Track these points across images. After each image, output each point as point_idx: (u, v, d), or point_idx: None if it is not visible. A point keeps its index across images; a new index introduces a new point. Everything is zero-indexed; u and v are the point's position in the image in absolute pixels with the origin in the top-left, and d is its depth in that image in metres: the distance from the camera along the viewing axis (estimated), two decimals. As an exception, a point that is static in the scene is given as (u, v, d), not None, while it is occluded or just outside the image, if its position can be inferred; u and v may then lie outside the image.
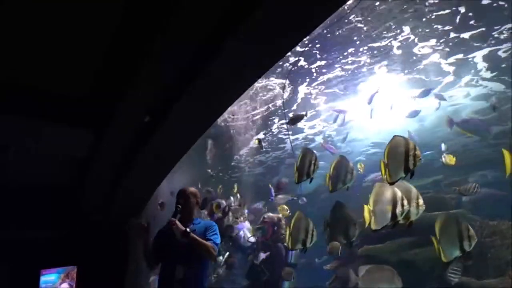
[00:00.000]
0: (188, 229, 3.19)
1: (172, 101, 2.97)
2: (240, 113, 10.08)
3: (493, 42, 7.15)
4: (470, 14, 6.24)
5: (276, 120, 10.79)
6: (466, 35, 6.89)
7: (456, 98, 9.75)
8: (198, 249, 3.20)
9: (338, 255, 6.72)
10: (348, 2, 5.26)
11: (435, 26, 6.56)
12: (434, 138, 11.05)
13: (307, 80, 8.53)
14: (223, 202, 7.34)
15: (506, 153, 3.69)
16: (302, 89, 9.03)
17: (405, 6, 6.00)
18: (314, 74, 8.28)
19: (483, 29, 6.68)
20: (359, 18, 6.31)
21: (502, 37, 6.96)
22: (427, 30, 6.70)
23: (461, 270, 5.68)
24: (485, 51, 7.51)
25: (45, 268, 4.75)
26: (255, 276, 6.86)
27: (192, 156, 4.63)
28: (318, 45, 7.08)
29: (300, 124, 11.04)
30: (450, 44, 7.17)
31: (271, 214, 7.56)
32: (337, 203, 3.62)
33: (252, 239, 7.35)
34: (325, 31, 6.50)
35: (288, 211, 7.61)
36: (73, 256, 5.01)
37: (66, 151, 4.13)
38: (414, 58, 7.75)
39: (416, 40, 7.03)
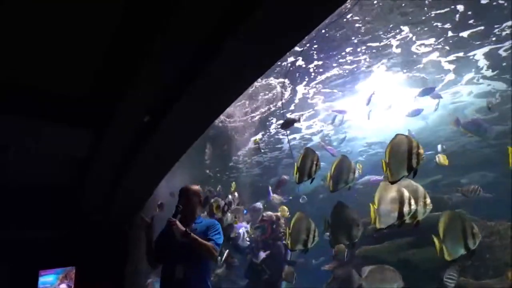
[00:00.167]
0: (187, 229, 3.14)
1: (172, 101, 2.97)
2: (238, 114, 10.09)
3: (494, 39, 7.13)
4: (470, 12, 6.24)
5: (274, 120, 10.80)
6: (466, 33, 6.89)
7: (458, 96, 9.72)
8: (199, 249, 3.16)
9: (344, 259, 6.68)
10: (348, 2, 5.26)
11: (435, 24, 6.56)
12: (436, 138, 11.06)
13: (306, 79, 8.55)
14: (222, 202, 7.33)
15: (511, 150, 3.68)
16: (300, 89, 9.05)
17: (403, 5, 6.01)
18: (312, 74, 8.30)
19: (482, 27, 6.69)
20: (357, 18, 6.31)
21: (503, 34, 6.94)
22: (425, 29, 6.70)
23: (458, 276, 5.69)
24: (486, 49, 7.50)
25: (43, 269, 4.73)
26: (255, 275, 6.86)
27: (191, 156, 4.63)
28: (316, 45, 7.09)
29: (297, 124, 11.07)
30: (450, 42, 7.18)
31: (269, 213, 7.56)
32: (338, 203, 3.58)
33: (248, 241, 7.34)
34: (323, 31, 6.51)
35: (288, 213, 7.62)
36: (72, 257, 4.99)
37: (66, 151, 4.13)
38: (415, 56, 7.75)
39: (414, 38, 7.04)
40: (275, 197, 9.52)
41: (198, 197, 3.56)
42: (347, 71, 8.24)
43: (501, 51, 7.61)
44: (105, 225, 5.13)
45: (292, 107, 9.95)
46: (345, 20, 6.32)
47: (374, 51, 7.47)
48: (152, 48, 2.49)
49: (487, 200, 8.14)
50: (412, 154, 2.69)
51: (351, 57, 7.67)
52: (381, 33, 6.81)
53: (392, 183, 2.85)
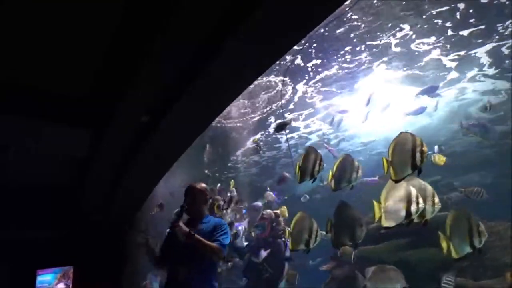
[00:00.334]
0: (191, 230, 3.06)
1: (172, 101, 2.97)
2: (237, 114, 10.09)
3: (496, 37, 7.12)
4: (471, 11, 6.23)
5: (272, 119, 10.78)
6: (467, 31, 6.87)
7: (461, 94, 9.66)
8: (203, 250, 3.07)
9: (352, 261, 6.65)
10: (347, 2, 5.26)
11: (436, 21, 6.55)
12: (437, 138, 11.03)
13: (306, 78, 8.53)
14: (222, 202, 7.33)
15: None
16: (300, 87, 9.03)
17: (403, 3, 6.01)
18: (311, 73, 8.28)
19: (483, 26, 6.68)
20: (356, 16, 6.31)
21: (507, 32, 6.92)
22: (425, 26, 6.69)
23: (454, 281, 5.72)
24: (489, 46, 7.46)
25: (41, 268, 4.72)
26: (256, 274, 6.85)
27: (189, 156, 4.63)
28: (315, 44, 7.09)
29: (295, 123, 11.08)
30: (452, 40, 7.15)
31: (269, 211, 7.57)
32: (341, 202, 3.52)
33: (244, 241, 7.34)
34: (322, 30, 6.52)
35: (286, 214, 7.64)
36: (70, 256, 4.99)
37: (66, 151, 4.12)
38: (416, 54, 7.71)
39: (413, 36, 7.03)
40: (269, 194, 9.57)
41: (204, 196, 3.45)
42: (345, 70, 8.23)
43: (504, 49, 7.57)
44: (104, 225, 5.13)
45: (291, 106, 9.93)
46: (345, 19, 6.32)
47: (374, 49, 7.46)
48: (152, 48, 2.49)
49: (486, 201, 8.14)
50: (416, 152, 2.66)
51: (349, 56, 7.66)
52: (380, 32, 6.81)
53: (396, 181, 2.81)
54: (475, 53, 7.72)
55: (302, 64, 7.82)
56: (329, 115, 10.34)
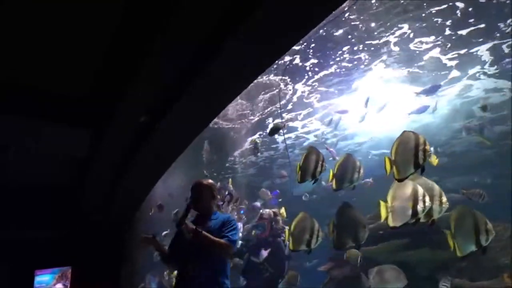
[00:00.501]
0: (197, 228, 2.98)
1: (172, 101, 2.98)
2: (235, 114, 10.09)
3: (498, 35, 7.09)
4: (470, 9, 6.22)
5: (270, 119, 10.77)
6: (468, 30, 6.85)
7: (462, 92, 9.61)
8: (211, 247, 3.00)
9: (358, 264, 6.60)
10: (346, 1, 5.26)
11: (435, 20, 6.53)
12: (440, 136, 11.00)
13: (305, 77, 8.52)
14: (220, 202, 7.33)
15: None
16: (298, 87, 9.03)
17: (402, 1, 6.00)
18: (310, 73, 8.28)
19: (482, 25, 6.67)
20: (355, 16, 6.31)
21: (509, 29, 6.89)
22: (424, 24, 6.68)
23: (451, 285, 5.74)
24: (490, 44, 7.43)
25: (40, 268, 4.70)
26: (256, 274, 6.84)
27: (188, 157, 4.63)
28: (313, 44, 7.09)
29: (294, 123, 11.08)
30: (453, 38, 7.13)
31: (268, 210, 7.58)
32: (344, 204, 3.49)
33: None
34: (321, 31, 6.52)
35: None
36: (68, 257, 4.97)
37: (66, 151, 4.12)
38: (417, 52, 7.69)
39: (411, 35, 7.02)
40: (264, 191, 9.61)
41: (212, 192, 3.35)
42: (344, 69, 8.21)
43: (504, 47, 7.54)
44: (104, 225, 5.13)
45: (290, 106, 9.93)
46: (343, 19, 6.33)
47: (372, 48, 7.45)
48: (152, 48, 2.49)
49: (485, 201, 8.14)
50: (419, 151, 2.64)
51: (347, 55, 7.65)
52: (380, 30, 6.80)
53: (399, 180, 2.78)
54: (476, 51, 7.68)
55: (300, 64, 7.82)
56: (327, 115, 10.33)
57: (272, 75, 8.32)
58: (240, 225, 7.72)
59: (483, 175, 12.79)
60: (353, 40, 7.04)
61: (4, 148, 3.77)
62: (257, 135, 11.68)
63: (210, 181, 3.42)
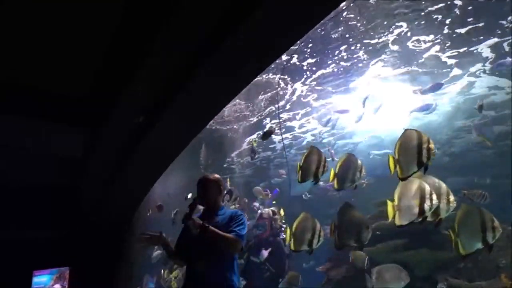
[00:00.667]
0: (205, 222, 2.90)
1: (171, 100, 2.98)
2: (233, 115, 10.08)
3: (499, 33, 7.07)
4: (470, 7, 6.20)
5: (268, 120, 10.75)
6: (468, 28, 6.82)
7: (464, 90, 9.55)
8: (219, 242, 2.92)
9: (364, 267, 6.54)
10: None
11: (435, 17, 6.52)
12: (442, 135, 10.94)
13: (304, 77, 8.50)
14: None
15: None
16: (297, 86, 9.01)
17: (400, 0, 5.99)
18: (308, 72, 8.26)
19: (480, 24, 6.65)
20: (353, 15, 6.30)
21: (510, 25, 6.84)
22: (422, 22, 6.66)
23: (448, 284, 5.73)
24: (491, 42, 7.40)
25: (38, 269, 4.67)
26: (257, 274, 6.83)
27: (185, 157, 4.62)
28: (311, 44, 7.08)
29: (291, 123, 11.07)
30: (454, 36, 7.11)
31: (267, 209, 7.58)
32: (345, 204, 3.45)
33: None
34: (319, 30, 6.52)
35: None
36: (66, 257, 4.95)
37: (66, 151, 4.13)
38: (416, 51, 7.65)
39: (409, 34, 7.00)
40: (257, 189, 9.62)
41: (218, 186, 3.25)
42: (342, 68, 8.19)
43: (505, 45, 7.51)
44: (103, 226, 5.13)
45: (288, 106, 9.91)
46: (341, 18, 6.33)
47: (370, 48, 7.43)
48: (152, 48, 2.49)
49: (487, 202, 8.14)
50: (423, 149, 2.61)
51: (345, 54, 7.62)
52: (378, 29, 6.79)
53: (402, 179, 2.76)
54: (477, 49, 7.65)
55: (298, 63, 7.80)
56: (325, 114, 10.29)
57: (271, 74, 8.30)
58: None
59: (482, 175, 12.78)
60: (350, 39, 7.03)
61: (4, 148, 3.78)
62: (255, 135, 11.67)
63: (217, 175, 3.33)
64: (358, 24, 6.58)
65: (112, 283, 5.22)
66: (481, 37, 7.17)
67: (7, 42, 2.59)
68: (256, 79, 8.14)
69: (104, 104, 3.26)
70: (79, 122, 3.57)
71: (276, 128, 6.94)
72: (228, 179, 8.79)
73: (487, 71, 8.61)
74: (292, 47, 6.81)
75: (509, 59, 7.39)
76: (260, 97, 9.38)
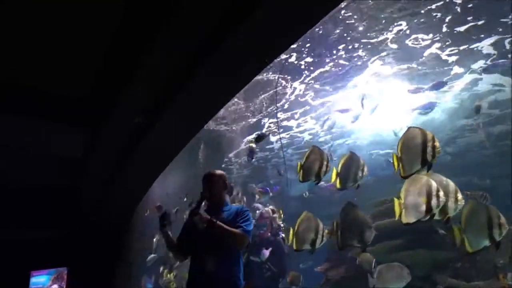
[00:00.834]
0: (212, 218, 2.88)
1: (171, 100, 2.98)
2: (232, 115, 10.06)
3: (500, 30, 7.04)
4: (470, 5, 6.18)
5: (266, 120, 10.72)
6: (469, 25, 6.79)
7: (467, 87, 9.52)
8: (226, 237, 2.90)
9: (372, 269, 6.50)
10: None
11: (435, 14, 6.49)
12: (443, 135, 10.91)
13: (302, 75, 8.46)
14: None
15: None
16: (296, 86, 8.98)
17: (400, -1, 5.97)
18: (306, 72, 8.23)
19: (480, 22, 6.64)
20: (352, 13, 6.29)
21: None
22: (422, 20, 6.64)
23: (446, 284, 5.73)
24: (492, 39, 7.37)
25: (36, 269, 4.67)
26: (257, 274, 6.82)
27: (184, 157, 4.61)
28: (309, 43, 7.06)
29: (290, 123, 11.05)
30: (455, 32, 7.07)
31: (266, 209, 7.59)
32: (348, 204, 3.43)
33: None
34: (317, 29, 6.52)
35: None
36: (64, 258, 4.95)
37: (66, 151, 4.13)
38: (417, 49, 7.62)
39: (408, 32, 6.98)
40: (251, 186, 9.61)
41: (223, 181, 3.25)
42: (340, 67, 8.15)
43: (506, 43, 7.48)
44: (103, 226, 5.13)
45: (286, 106, 9.88)
46: (340, 17, 6.31)
47: (369, 46, 7.41)
48: (152, 47, 2.50)
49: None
50: (427, 147, 2.58)
51: (344, 53, 7.60)
52: (377, 28, 6.77)
53: (404, 177, 2.72)
54: (477, 46, 7.61)
55: (296, 62, 7.78)
56: (324, 113, 10.25)
57: (270, 73, 8.27)
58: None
59: (482, 175, 12.77)
60: (349, 38, 7.01)
61: (4, 148, 3.78)
62: (254, 135, 11.64)
63: (221, 171, 3.31)
64: (357, 24, 6.56)
65: (110, 284, 5.21)
66: (482, 35, 7.14)
67: (7, 42, 2.59)
68: (257, 78, 8.16)
69: (104, 104, 3.26)
70: (79, 122, 3.57)
71: (274, 128, 6.93)
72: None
73: (485, 70, 8.56)
74: (291, 46, 6.82)
75: (500, 61, 7.39)
76: (259, 96, 9.35)
